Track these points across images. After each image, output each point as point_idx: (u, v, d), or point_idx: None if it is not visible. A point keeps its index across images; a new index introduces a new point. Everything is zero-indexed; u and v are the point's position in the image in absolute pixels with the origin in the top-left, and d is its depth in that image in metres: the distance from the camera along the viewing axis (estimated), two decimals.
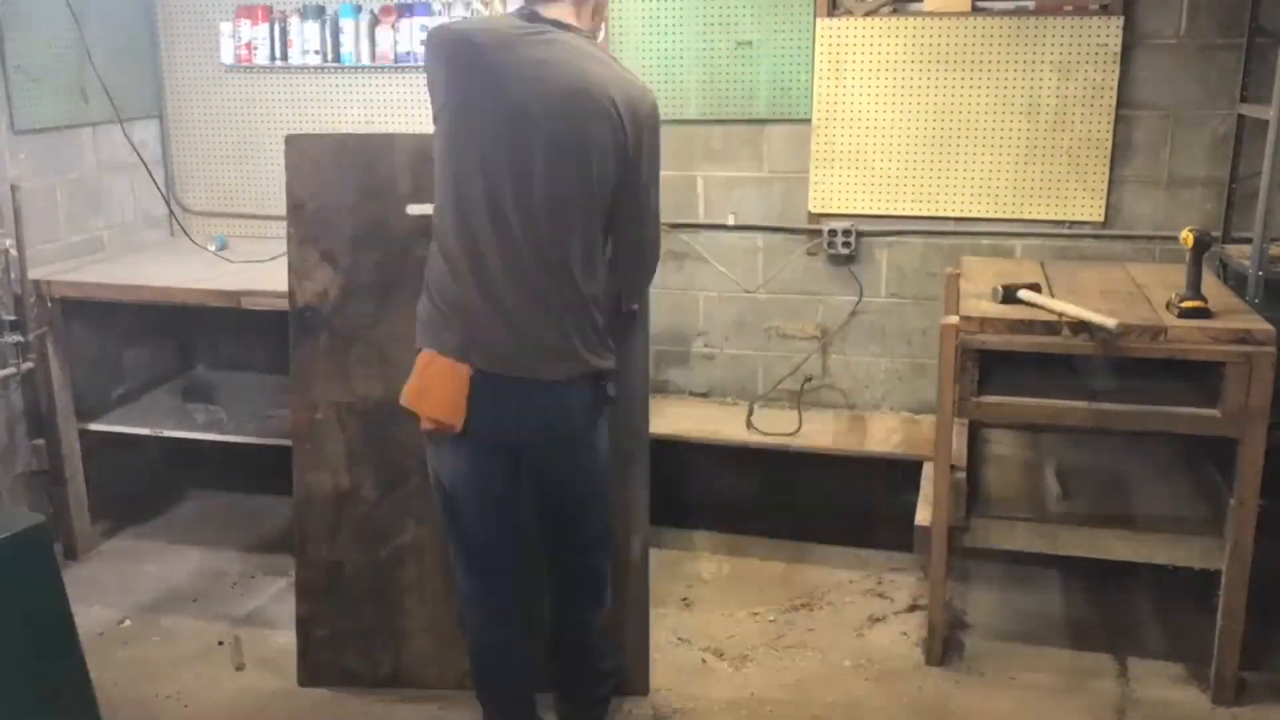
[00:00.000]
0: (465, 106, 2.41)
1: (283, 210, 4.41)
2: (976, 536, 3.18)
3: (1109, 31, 3.64)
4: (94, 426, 3.98)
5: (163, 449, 4.32)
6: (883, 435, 3.86)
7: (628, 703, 3.06)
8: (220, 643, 3.38)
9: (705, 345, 4.23)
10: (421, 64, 4.10)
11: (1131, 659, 3.26)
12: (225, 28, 4.26)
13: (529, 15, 2.47)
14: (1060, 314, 2.96)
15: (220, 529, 4.17)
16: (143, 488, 4.37)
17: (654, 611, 3.54)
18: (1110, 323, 2.86)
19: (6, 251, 3.68)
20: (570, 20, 2.46)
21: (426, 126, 4.22)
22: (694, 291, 4.19)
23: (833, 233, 3.99)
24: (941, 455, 3.09)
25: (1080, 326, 2.93)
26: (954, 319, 3.04)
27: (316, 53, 4.20)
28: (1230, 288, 3.33)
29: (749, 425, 3.94)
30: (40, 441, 3.87)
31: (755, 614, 3.54)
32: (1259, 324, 2.90)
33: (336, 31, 4.16)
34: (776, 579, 3.77)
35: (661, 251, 2.68)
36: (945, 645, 3.28)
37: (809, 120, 3.94)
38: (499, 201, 2.38)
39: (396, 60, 4.13)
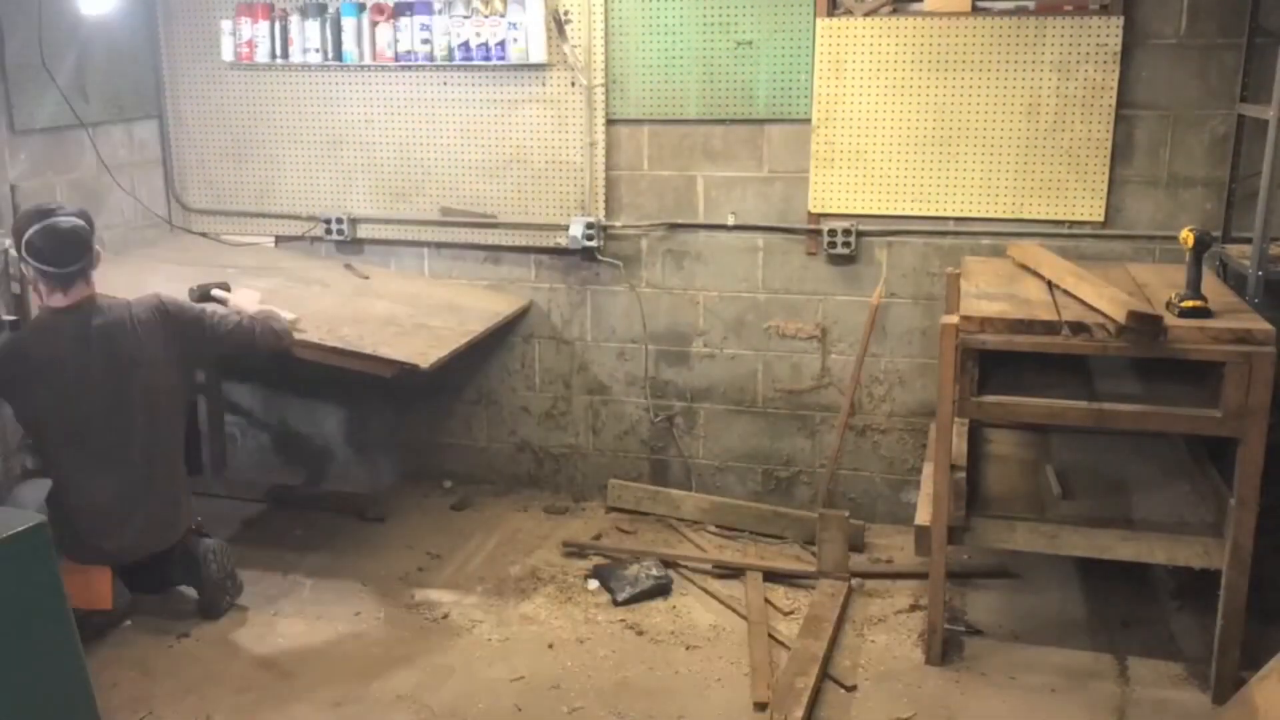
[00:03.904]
0: None
1: (282, 209, 4.45)
2: (976, 536, 3.18)
3: (1109, 31, 3.64)
4: None
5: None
6: None
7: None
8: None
9: (705, 345, 4.23)
10: (423, 62, 4.14)
11: (1131, 659, 3.26)
12: (226, 25, 4.26)
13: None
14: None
15: (219, 529, 4.16)
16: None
17: (649, 605, 3.55)
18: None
19: (6, 251, 3.67)
20: None
21: (420, 124, 4.26)
22: (694, 291, 4.19)
23: (833, 232, 3.98)
24: (941, 455, 3.09)
25: (1079, 326, 2.94)
26: (954, 319, 3.04)
27: (317, 51, 4.20)
28: (1230, 288, 3.33)
29: None
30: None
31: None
32: (1259, 324, 2.90)
33: (338, 30, 4.16)
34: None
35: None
36: (945, 645, 3.28)
37: (809, 120, 3.94)
38: None
39: (397, 59, 4.13)
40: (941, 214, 3.90)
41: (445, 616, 3.55)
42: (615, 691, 3.13)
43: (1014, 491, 3.37)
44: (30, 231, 3.20)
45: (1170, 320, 2.91)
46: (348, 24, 4.14)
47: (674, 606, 3.60)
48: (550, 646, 3.36)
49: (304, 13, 4.18)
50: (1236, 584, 2.96)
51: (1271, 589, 3.20)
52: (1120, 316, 2.88)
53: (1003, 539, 3.19)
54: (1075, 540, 3.12)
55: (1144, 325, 2.85)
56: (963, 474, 3.17)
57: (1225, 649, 3.01)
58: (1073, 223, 3.81)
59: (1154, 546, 3.07)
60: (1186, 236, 2.99)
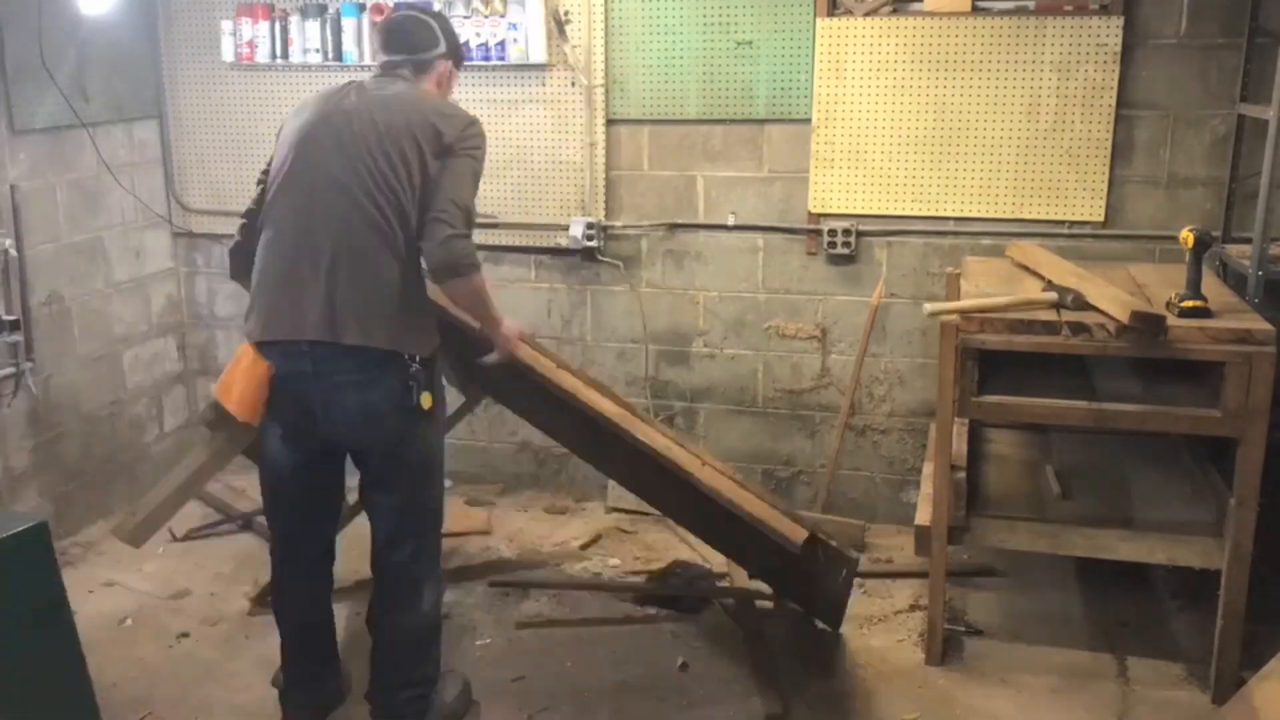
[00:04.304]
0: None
1: None
2: (976, 536, 3.18)
3: (1109, 31, 3.64)
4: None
5: (163, 448, 4.32)
6: None
7: None
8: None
9: (705, 345, 4.23)
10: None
11: (1131, 659, 3.26)
12: (226, 26, 4.26)
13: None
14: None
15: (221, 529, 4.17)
16: (143, 488, 4.38)
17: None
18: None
19: (6, 251, 3.68)
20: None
21: None
22: (694, 291, 4.19)
23: (833, 232, 3.98)
24: (941, 455, 3.10)
25: (1079, 326, 2.94)
26: (954, 318, 3.04)
27: (317, 51, 4.19)
28: (1230, 288, 3.33)
29: None
30: (40, 439, 3.87)
31: None
32: (1259, 324, 2.90)
33: (338, 30, 4.16)
34: None
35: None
36: (945, 645, 3.28)
37: (809, 120, 3.94)
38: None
39: None
40: (941, 214, 3.90)
41: (445, 616, 3.54)
42: (616, 692, 3.13)
43: (1014, 491, 3.37)
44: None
45: (1171, 320, 2.91)
46: (348, 24, 4.14)
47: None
48: (551, 646, 3.36)
49: (304, 13, 4.18)
50: (1236, 584, 2.96)
51: (1272, 589, 3.20)
52: (1124, 316, 2.88)
53: (1003, 539, 3.19)
54: (1076, 540, 3.13)
55: (1147, 325, 2.85)
56: (963, 474, 3.17)
57: (1225, 649, 3.01)
58: (1073, 223, 3.81)
59: (1154, 546, 3.07)
60: (1186, 236, 2.99)
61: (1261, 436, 2.86)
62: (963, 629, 3.40)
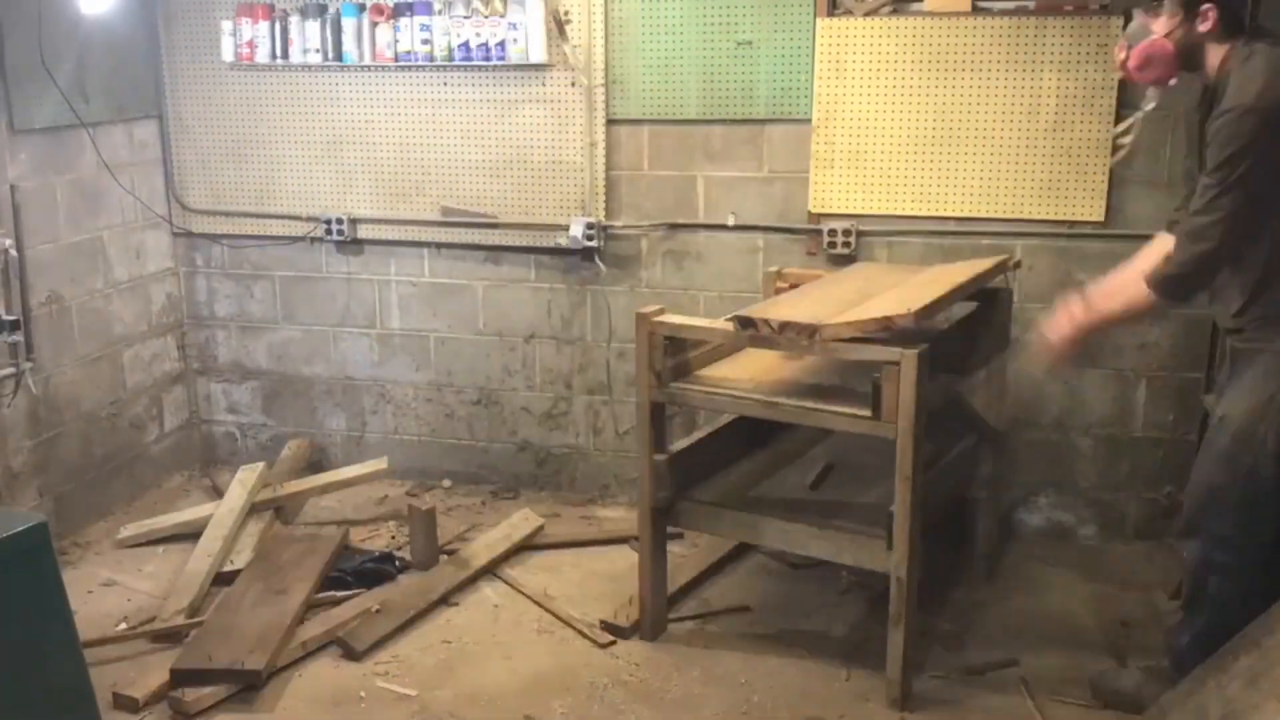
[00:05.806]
0: None
1: (282, 209, 4.45)
2: (683, 520, 3.28)
3: (1109, 31, 3.64)
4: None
5: (163, 448, 4.32)
6: None
7: None
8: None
9: None
10: (423, 62, 4.12)
11: (1130, 659, 3.25)
12: (226, 26, 4.26)
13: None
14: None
15: None
16: (145, 487, 4.38)
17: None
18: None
19: (6, 251, 3.68)
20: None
21: (420, 124, 4.25)
22: (694, 291, 4.19)
23: (833, 232, 3.99)
24: (643, 439, 3.16)
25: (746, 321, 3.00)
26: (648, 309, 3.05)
27: (317, 51, 4.19)
28: None
29: None
30: (40, 439, 3.87)
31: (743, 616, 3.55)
32: None
33: (338, 30, 4.15)
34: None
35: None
36: (944, 645, 3.27)
37: (809, 120, 3.94)
38: None
39: (397, 59, 4.13)
40: (942, 214, 3.90)
41: (446, 619, 3.55)
42: (618, 690, 3.13)
43: (764, 480, 3.41)
44: None
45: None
46: (348, 24, 4.14)
47: None
48: (552, 646, 3.37)
49: (304, 13, 4.18)
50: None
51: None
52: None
53: (709, 525, 3.30)
54: (769, 532, 3.15)
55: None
56: (664, 457, 3.18)
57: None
58: (1073, 223, 3.81)
59: (841, 546, 3.03)
60: None
61: (919, 440, 2.83)
62: (951, 627, 3.40)
